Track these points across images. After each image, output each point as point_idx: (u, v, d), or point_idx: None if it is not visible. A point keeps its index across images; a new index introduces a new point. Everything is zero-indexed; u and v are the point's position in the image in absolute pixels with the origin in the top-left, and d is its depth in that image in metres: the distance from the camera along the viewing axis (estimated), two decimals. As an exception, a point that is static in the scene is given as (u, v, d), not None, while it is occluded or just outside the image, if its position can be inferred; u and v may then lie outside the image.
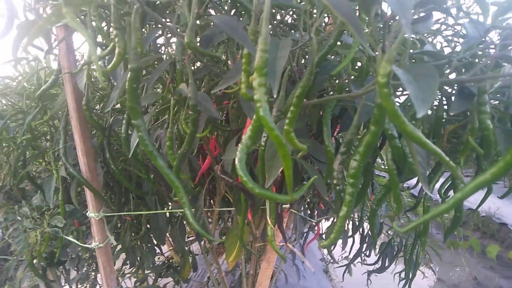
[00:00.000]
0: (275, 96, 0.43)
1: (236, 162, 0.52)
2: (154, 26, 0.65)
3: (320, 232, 2.37)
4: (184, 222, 1.54)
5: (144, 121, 0.54)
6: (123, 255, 1.53)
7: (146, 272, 1.59)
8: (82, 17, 0.87)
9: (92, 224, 1.10)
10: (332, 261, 4.31)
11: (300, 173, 0.85)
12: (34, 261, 1.37)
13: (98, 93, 1.18)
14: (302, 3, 0.63)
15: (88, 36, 0.40)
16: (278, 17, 0.95)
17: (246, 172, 0.52)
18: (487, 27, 0.45)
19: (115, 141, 1.25)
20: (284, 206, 1.21)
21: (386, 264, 2.11)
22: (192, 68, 0.94)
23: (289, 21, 0.97)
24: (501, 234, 5.59)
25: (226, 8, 0.82)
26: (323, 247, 0.60)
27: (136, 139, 0.82)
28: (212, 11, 0.84)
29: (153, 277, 1.66)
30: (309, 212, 1.88)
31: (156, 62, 0.91)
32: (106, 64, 0.83)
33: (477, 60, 0.65)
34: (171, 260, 1.86)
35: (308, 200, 1.73)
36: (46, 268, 1.47)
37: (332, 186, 0.69)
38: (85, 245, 1.18)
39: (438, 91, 0.79)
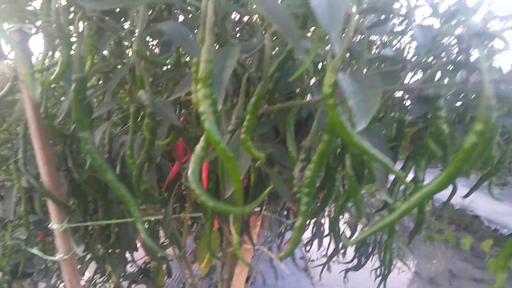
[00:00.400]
0: (219, 108, 0.41)
1: (189, 174, 0.51)
2: (108, 32, 0.63)
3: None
4: (156, 228, 1.52)
5: (92, 133, 0.52)
6: (93, 264, 1.49)
7: (118, 280, 1.55)
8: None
9: (56, 236, 1.06)
10: (311, 259, 4.34)
11: (265, 180, 0.84)
12: (-1, 274, 1.31)
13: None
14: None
15: (15, 45, 0.38)
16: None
17: (199, 185, 0.50)
18: (435, 33, 0.45)
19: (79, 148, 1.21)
20: (256, 209, 1.20)
21: (362, 262, 2.14)
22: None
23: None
24: (474, 226, 5.76)
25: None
26: (280, 258, 0.59)
27: (97, 137, 0.80)
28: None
29: (126, 286, 1.62)
30: (285, 212, 1.88)
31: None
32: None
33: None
34: (147, 266, 1.83)
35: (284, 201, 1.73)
36: (11, 282, 1.42)
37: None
38: (49, 257, 1.13)
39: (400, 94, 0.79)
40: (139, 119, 0.84)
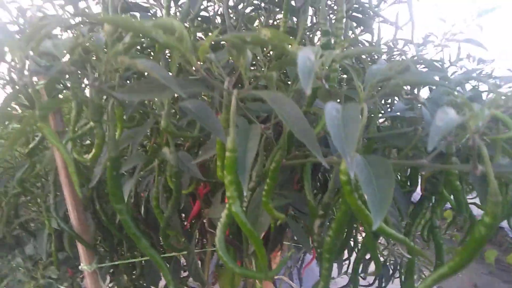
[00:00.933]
0: (245, 193, 0.45)
1: (216, 242, 0.54)
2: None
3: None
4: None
5: (125, 205, 0.56)
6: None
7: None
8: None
9: (85, 276, 1.10)
10: (333, 278, 4.28)
11: (284, 226, 0.87)
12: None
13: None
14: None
15: (63, 148, 0.42)
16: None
17: (225, 252, 0.53)
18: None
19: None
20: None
21: (383, 285, 2.12)
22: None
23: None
24: (498, 238, 5.60)
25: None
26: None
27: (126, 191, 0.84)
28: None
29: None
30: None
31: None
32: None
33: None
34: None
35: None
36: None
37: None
38: (79, 296, 1.18)
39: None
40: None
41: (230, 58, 0.50)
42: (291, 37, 0.35)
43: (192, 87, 0.42)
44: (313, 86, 0.35)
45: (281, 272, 2.01)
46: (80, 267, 1.08)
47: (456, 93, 0.52)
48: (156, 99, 0.66)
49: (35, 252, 1.33)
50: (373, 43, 1.27)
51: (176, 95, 0.67)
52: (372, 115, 0.62)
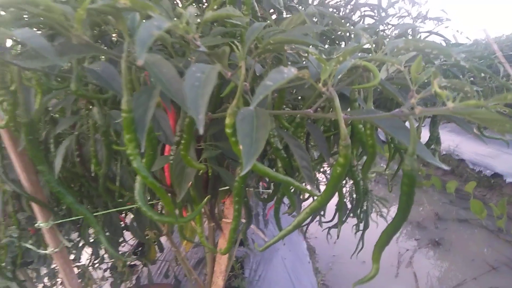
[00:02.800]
0: (142, 150, 0.49)
1: (135, 194, 0.59)
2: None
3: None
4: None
5: (48, 166, 0.60)
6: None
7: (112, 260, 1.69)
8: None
9: (44, 233, 1.16)
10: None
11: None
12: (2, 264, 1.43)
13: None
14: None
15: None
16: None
17: (144, 203, 0.59)
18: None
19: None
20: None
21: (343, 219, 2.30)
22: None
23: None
24: (460, 169, 5.98)
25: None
26: (221, 253, 0.70)
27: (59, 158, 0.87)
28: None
29: (121, 265, 1.76)
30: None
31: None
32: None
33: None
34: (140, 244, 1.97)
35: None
36: (14, 271, 1.54)
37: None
38: (41, 251, 1.25)
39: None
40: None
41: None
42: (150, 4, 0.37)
43: (75, 52, 0.44)
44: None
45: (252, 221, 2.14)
46: (36, 225, 1.13)
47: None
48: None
49: (-5, 215, 1.36)
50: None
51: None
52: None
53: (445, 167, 0.49)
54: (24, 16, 0.48)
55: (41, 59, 0.48)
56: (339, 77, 0.42)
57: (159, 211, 1.53)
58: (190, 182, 0.73)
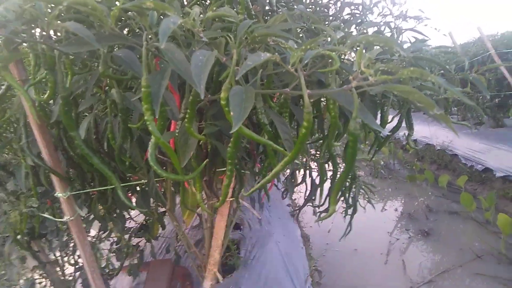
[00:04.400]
0: (156, 116, 0.64)
1: (149, 156, 0.74)
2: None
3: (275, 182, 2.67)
4: (146, 189, 1.78)
5: (78, 132, 0.75)
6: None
7: (118, 234, 1.84)
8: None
9: (62, 202, 1.31)
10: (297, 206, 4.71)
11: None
12: (18, 236, 1.59)
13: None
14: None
15: (21, 89, 0.59)
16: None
17: (155, 163, 0.74)
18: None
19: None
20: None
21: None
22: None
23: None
24: (453, 164, 6.14)
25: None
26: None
27: (83, 131, 1.02)
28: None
29: (126, 239, 1.92)
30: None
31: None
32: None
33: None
34: (145, 221, 2.12)
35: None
36: (30, 241, 1.70)
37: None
38: (59, 220, 1.40)
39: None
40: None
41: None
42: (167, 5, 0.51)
43: (108, 41, 0.59)
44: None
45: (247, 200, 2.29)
46: (55, 195, 1.28)
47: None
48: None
49: (16, 188, 1.51)
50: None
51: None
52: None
53: (384, 132, 0.63)
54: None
55: (79, 45, 0.63)
56: (306, 62, 0.57)
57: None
58: (192, 152, 0.88)
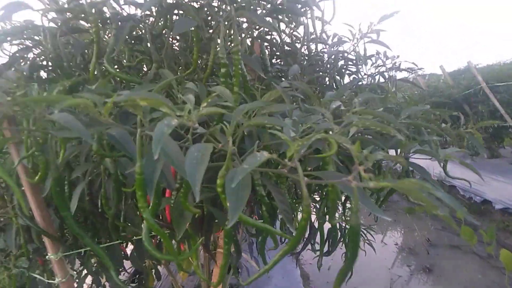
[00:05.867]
0: (151, 204, 0.62)
1: (144, 240, 0.72)
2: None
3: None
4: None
5: (70, 211, 0.72)
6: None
7: (113, 288, 1.77)
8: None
9: (53, 264, 1.26)
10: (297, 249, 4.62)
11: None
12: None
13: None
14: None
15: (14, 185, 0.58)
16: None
17: (150, 243, 0.71)
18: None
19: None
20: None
21: (331, 249, 2.40)
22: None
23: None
24: (451, 195, 6.10)
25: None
26: (213, 286, 0.81)
27: (75, 199, 1.00)
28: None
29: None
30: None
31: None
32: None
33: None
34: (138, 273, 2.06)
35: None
36: (19, 299, 1.63)
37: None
38: (50, 281, 1.35)
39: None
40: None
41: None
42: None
43: (98, 126, 0.58)
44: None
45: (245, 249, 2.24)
46: (47, 257, 1.24)
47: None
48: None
49: (5, 246, 1.47)
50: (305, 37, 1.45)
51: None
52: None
53: (387, 218, 0.62)
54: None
55: (70, 131, 0.62)
56: (303, 151, 0.56)
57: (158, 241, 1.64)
58: (187, 223, 0.86)
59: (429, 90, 6.18)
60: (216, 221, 1.12)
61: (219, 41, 0.79)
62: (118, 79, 0.87)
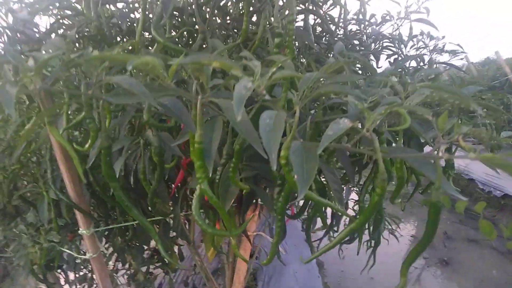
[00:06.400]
0: (210, 175, 0.59)
1: (193, 209, 0.69)
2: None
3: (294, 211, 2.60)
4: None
5: (118, 182, 0.70)
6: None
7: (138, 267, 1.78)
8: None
9: (84, 239, 1.26)
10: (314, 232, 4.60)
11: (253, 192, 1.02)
12: (35, 266, 1.53)
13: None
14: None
15: (68, 145, 0.55)
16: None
17: (200, 217, 0.69)
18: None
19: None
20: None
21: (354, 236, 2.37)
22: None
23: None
24: (470, 189, 5.99)
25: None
26: (263, 264, 0.79)
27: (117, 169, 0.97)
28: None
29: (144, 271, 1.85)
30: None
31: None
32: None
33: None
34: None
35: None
36: (46, 273, 1.65)
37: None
38: (81, 256, 1.35)
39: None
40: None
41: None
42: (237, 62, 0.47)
43: (158, 92, 0.55)
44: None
45: (261, 229, 2.23)
46: (79, 231, 1.23)
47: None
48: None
49: (36, 220, 1.47)
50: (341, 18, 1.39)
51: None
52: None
53: (463, 198, 0.58)
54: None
55: (128, 97, 0.59)
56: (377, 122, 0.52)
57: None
58: (233, 200, 0.83)
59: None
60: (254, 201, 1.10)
61: (274, 10, 0.75)
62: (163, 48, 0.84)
